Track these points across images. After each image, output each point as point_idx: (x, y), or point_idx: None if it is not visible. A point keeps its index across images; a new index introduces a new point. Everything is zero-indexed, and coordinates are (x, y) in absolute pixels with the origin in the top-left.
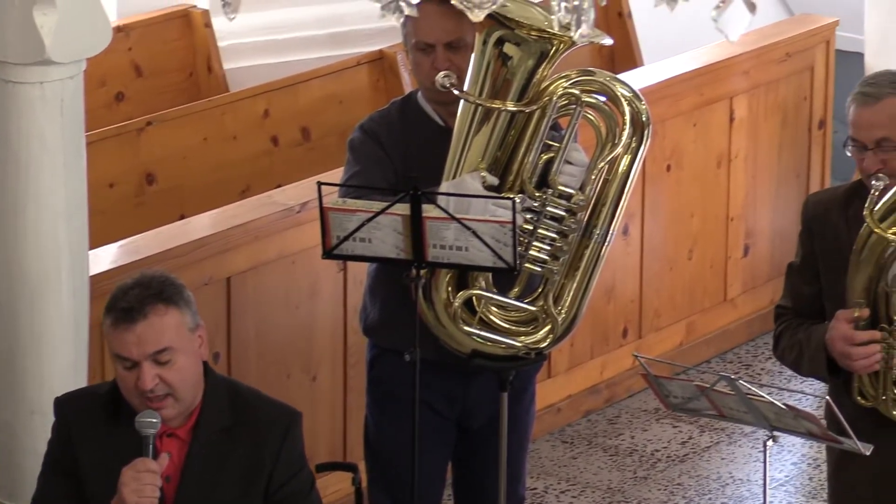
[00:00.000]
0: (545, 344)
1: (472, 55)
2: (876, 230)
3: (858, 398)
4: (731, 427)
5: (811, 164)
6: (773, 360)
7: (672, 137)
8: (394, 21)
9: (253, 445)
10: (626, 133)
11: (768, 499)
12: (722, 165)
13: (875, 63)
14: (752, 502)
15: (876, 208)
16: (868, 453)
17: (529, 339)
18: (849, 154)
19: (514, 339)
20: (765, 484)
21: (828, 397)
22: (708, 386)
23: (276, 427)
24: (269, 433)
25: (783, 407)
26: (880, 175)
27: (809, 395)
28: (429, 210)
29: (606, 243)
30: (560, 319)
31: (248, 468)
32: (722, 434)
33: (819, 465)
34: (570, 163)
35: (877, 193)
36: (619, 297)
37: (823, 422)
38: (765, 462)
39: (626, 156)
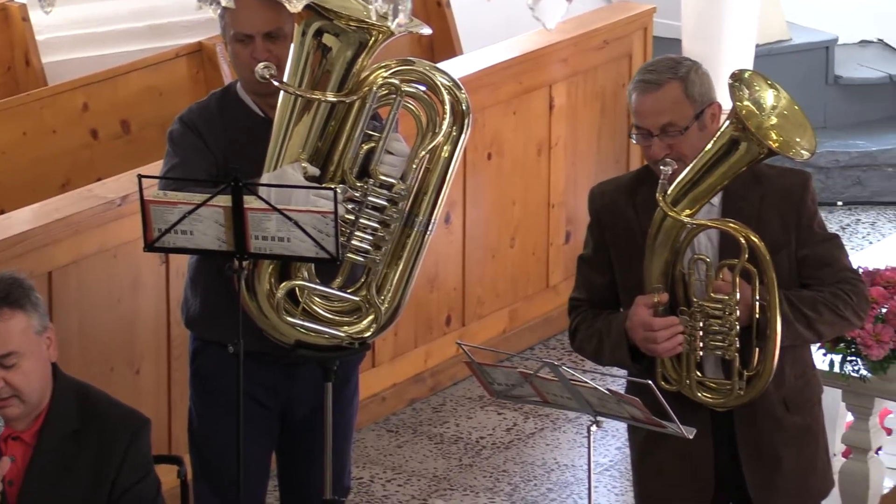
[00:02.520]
0: (369, 333)
1: (292, 46)
2: (670, 214)
3: (662, 383)
4: (556, 413)
5: (630, 150)
6: None
7: (492, 126)
8: (211, 13)
9: (99, 450)
10: (446, 122)
11: (593, 484)
12: (542, 153)
13: (692, 49)
14: (576, 487)
15: (668, 192)
16: (691, 437)
17: (353, 329)
18: (634, 142)
19: (337, 330)
20: (589, 469)
21: (650, 382)
22: (531, 372)
23: (122, 432)
24: (116, 439)
25: (606, 392)
26: (667, 160)
27: (631, 379)
28: (250, 201)
29: (428, 232)
30: (383, 309)
31: (94, 473)
32: (546, 420)
33: None
34: (390, 153)
35: (666, 178)
36: (441, 285)
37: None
38: (589, 447)
39: (446, 145)
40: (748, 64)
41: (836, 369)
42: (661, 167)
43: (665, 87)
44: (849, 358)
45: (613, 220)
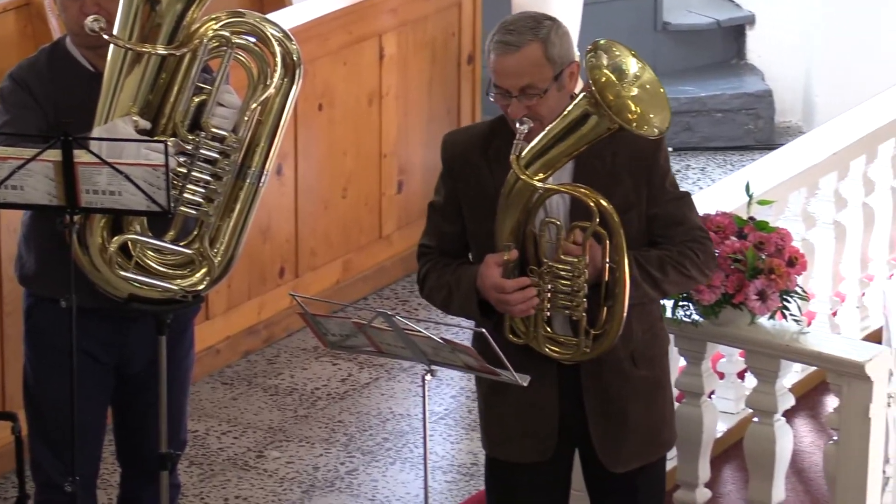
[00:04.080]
0: (202, 286)
1: None
2: (522, 177)
3: (510, 336)
4: (390, 363)
5: (461, 100)
6: None
7: (322, 77)
8: None
9: None
10: (277, 74)
11: (428, 432)
12: (373, 103)
13: (520, 0)
14: (412, 436)
15: (522, 154)
16: (525, 384)
17: (186, 282)
18: (492, 100)
19: (170, 283)
20: (424, 418)
21: (483, 329)
22: (365, 323)
23: None
24: None
25: (440, 341)
26: (525, 119)
27: (466, 328)
28: (80, 155)
29: (261, 184)
30: (216, 261)
31: None
32: (381, 370)
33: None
34: (222, 105)
35: (521, 137)
36: (274, 237)
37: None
38: (424, 396)
39: (277, 96)
40: (577, 13)
41: (668, 314)
42: (518, 125)
43: (524, 49)
44: (681, 303)
45: (464, 172)
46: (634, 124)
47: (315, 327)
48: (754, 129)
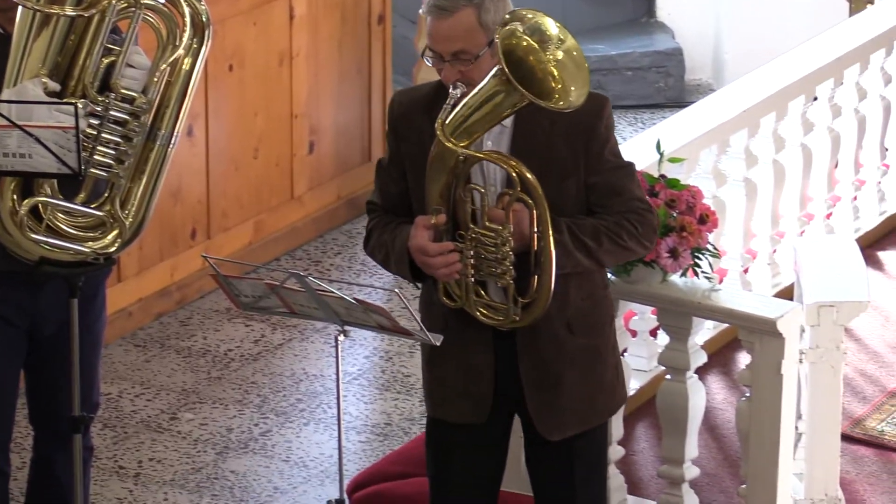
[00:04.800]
0: (113, 248)
1: None
2: (445, 143)
3: (445, 299)
4: (304, 324)
5: (372, 60)
6: (342, 256)
7: (233, 37)
8: None
9: None
10: (186, 34)
11: (342, 393)
12: (284, 64)
13: None
14: (325, 397)
15: (448, 119)
16: (438, 343)
17: (97, 245)
18: (429, 64)
19: (81, 245)
20: (338, 378)
21: (397, 290)
22: (278, 283)
23: None
24: None
25: (353, 301)
26: (458, 84)
27: (379, 288)
28: None
29: (171, 145)
30: (127, 223)
31: None
32: (294, 331)
33: (391, 358)
34: (131, 66)
35: (451, 103)
36: (186, 198)
37: (394, 314)
38: (337, 357)
39: (187, 57)
40: None
41: None
42: (451, 90)
43: (458, 14)
44: None
45: (408, 132)
46: (556, 96)
47: (227, 289)
48: (665, 87)
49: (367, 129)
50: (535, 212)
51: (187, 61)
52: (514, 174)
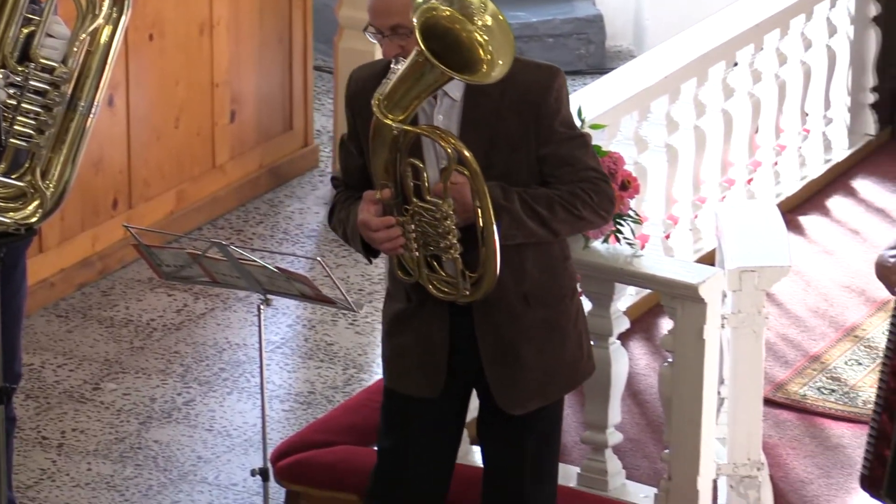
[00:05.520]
0: (34, 219)
1: None
2: (382, 119)
3: (399, 273)
4: (226, 293)
5: (293, 29)
6: (263, 225)
7: (153, 6)
8: None
9: None
10: (106, 4)
11: (265, 361)
12: (204, 32)
13: None
14: (249, 366)
15: (385, 93)
16: (359, 310)
17: (18, 215)
18: (372, 40)
19: (2, 216)
20: (260, 347)
21: (319, 258)
22: (200, 253)
23: None
24: None
25: (275, 270)
26: (399, 58)
27: (301, 257)
28: None
29: (92, 115)
30: (49, 193)
31: None
32: (217, 300)
33: (314, 327)
34: (51, 36)
35: (391, 77)
36: (107, 168)
37: (317, 283)
38: (259, 326)
39: (107, 27)
40: None
41: None
42: (393, 64)
43: None
44: None
45: (362, 108)
46: (483, 67)
47: (149, 258)
48: (585, 53)
49: (288, 97)
50: (472, 186)
51: (107, 31)
52: (448, 149)
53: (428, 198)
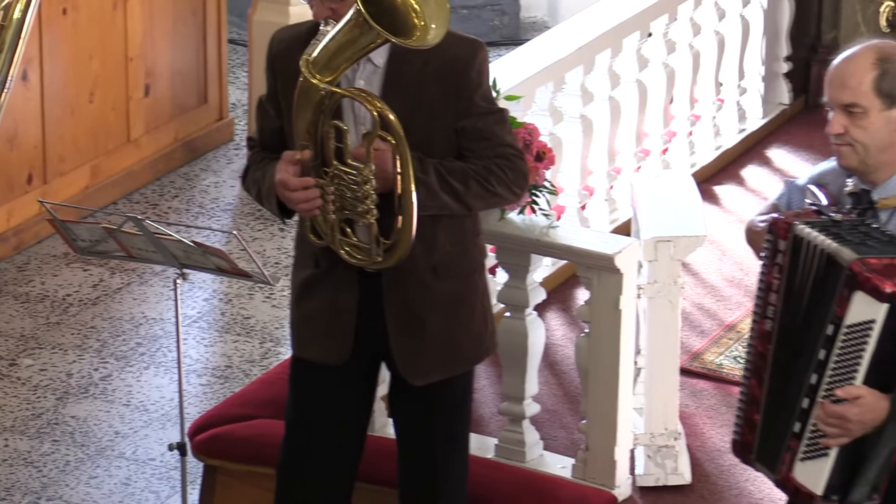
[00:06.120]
0: None
1: None
2: (310, 79)
3: (311, 236)
4: (142, 267)
5: (207, 2)
6: (179, 199)
7: None
8: None
9: None
10: None
11: (182, 336)
12: (118, 6)
13: None
14: (166, 340)
15: (314, 55)
16: (275, 284)
17: None
18: (303, 2)
19: None
20: (177, 321)
21: (235, 232)
22: (115, 227)
23: None
24: None
25: (191, 244)
26: (329, 20)
27: (217, 230)
28: None
29: (6, 90)
30: None
31: None
32: (133, 275)
33: (230, 300)
34: None
35: (320, 38)
36: (21, 143)
37: (233, 256)
38: (176, 300)
39: (19, 2)
40: None
41: None
42: (323, 26)
43: None
44: None
45: (285, 68)
46: (416, 34)
47: (65, 233)
48: (500, 24)
49: (202, 71)
50: (396, 152)
51: (20, 5)
52: (375, 113)
53: (349, 161)
